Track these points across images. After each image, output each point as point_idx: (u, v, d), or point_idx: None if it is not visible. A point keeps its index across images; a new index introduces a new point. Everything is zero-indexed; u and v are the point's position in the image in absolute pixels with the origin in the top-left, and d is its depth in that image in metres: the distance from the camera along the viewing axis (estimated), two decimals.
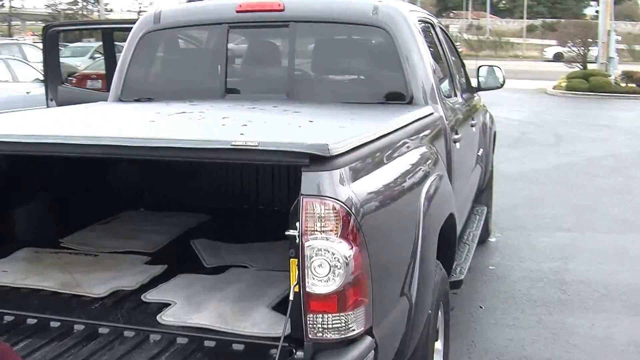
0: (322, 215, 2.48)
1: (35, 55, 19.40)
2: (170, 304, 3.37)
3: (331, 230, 2.48)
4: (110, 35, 6.86)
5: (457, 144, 4.58)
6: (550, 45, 55.96)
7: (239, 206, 5.05)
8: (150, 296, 3.51)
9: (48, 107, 6.34)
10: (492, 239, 7.56)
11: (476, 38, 68.90)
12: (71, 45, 29.92)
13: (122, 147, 2.82)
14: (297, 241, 2.50)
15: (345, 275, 2.48)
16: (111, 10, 79.46)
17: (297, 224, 2.50)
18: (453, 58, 5.81)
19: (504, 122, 16.58)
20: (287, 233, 2.54)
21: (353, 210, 2.52)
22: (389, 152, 3.17)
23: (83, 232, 4.52)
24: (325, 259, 2.48)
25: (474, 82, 6.41)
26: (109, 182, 4.79)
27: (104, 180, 4.74)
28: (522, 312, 5.63)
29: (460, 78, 5.90)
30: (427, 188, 3.42)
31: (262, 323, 3.11)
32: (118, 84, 4.95)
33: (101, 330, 3.14)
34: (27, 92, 14.95)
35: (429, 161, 3.69)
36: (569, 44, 30.52)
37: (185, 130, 3.33)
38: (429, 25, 5.30)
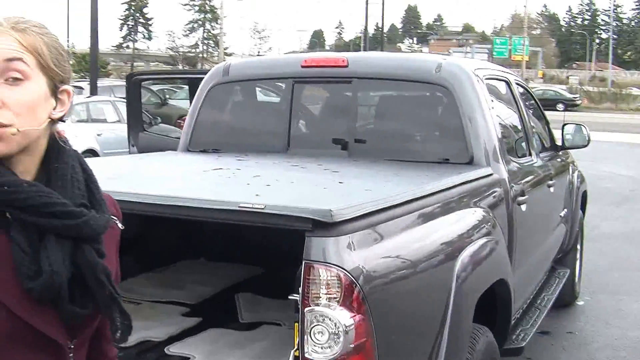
0: (325, 282, 2.42)
1: (144, 95, 19.97)
2: (189, 358, 3.36)
3: (333, 298, 2.42)
4: (196, 84, 6.99)
5: (523, 206, 4.43)
6: None
7: (293, 260, 5.01)
8: (174, 349, 3.51)
9: (130, 152, 6.52)
10: (579, 302, 7.23)
11: (596, 90, 67.34)
12: (186, 87, 30.63)
13: (133, 203, 2.84)
14: (299, 306, 2.46)
15: (344, 344, 2.40)
16: (232, 54, 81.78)
17: (300, 288, 2.46)
18: (531, 116, 5.65)
19: (614, 178, 16.13)
20: (290, 297, 2.50)
21: (360, 280, 2.45)
22: (417, 216, 3.06)
23: (136, 280, 4.57)
24: (325, 326, 2.42)
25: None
26: (170, 230, 4.83)
27: (165, 228, 4.78)
28: None
29: (539, 137, 5.74)
30: (470, 253, 3.28)
31: None
32: (187, 134, 5.03)
33: None
34: None
35: (478, 225, 3.57)
36: None
37: (205, 188, 3.36)
38: (504, 82, 5.18)
